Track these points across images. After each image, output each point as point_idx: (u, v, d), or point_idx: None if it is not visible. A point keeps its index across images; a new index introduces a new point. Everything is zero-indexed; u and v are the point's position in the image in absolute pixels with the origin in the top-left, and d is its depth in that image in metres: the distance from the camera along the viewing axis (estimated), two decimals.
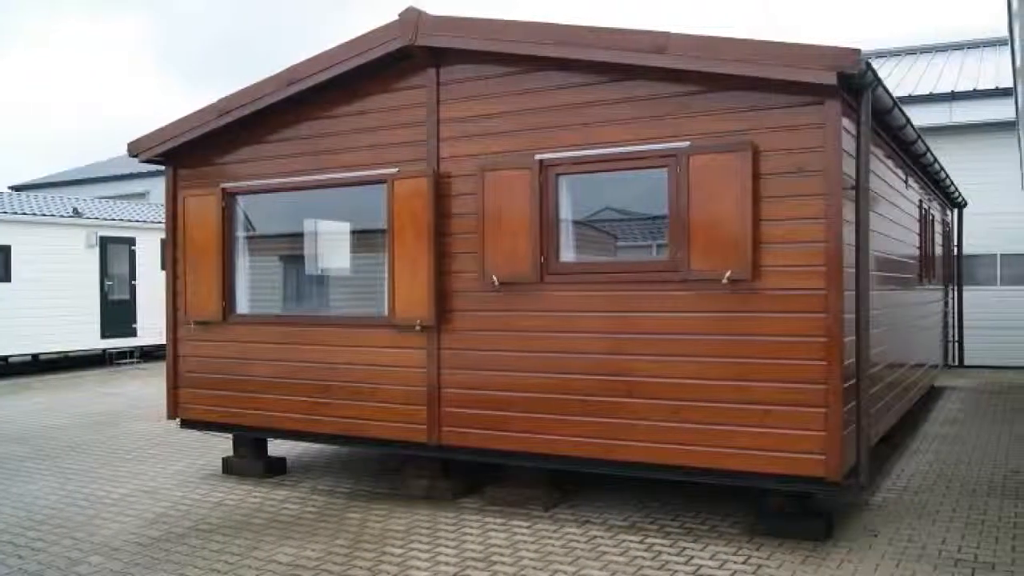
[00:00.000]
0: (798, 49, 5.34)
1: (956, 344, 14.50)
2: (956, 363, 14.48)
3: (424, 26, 6.60)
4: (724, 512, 6.37)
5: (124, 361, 19.11)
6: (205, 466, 8.36)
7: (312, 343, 7.43)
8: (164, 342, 8.59)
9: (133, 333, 18.81)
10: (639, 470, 6.07)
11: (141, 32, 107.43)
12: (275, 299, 8.83)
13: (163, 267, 15.29)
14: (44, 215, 17.39)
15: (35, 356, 17.60)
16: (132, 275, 18.85)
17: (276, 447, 8.47)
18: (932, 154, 9.50)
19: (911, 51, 22.18)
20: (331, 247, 8.95)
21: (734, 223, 5.61)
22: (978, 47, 21.20)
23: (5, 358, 16.93)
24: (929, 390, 11.97)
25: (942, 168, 10.75)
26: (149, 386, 14.90)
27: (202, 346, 8.06)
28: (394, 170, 6.94)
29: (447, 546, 5.68)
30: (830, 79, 5.22)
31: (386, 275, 6.97)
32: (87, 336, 17.91)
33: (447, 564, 5.32)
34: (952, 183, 12.20)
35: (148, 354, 19.54)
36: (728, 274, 5.63)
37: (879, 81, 5.74)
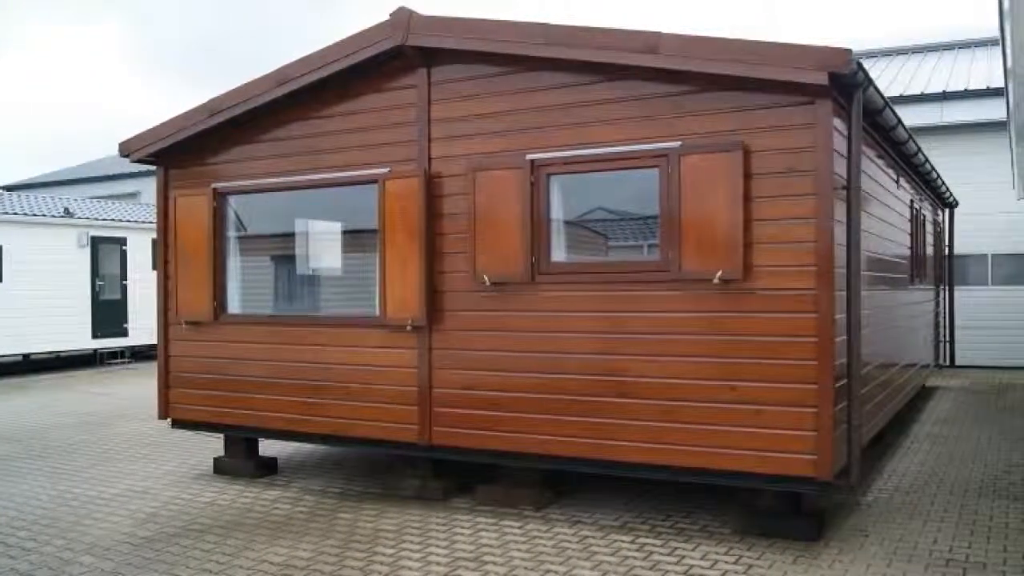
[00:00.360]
0: (789, 49, 5.35)
1: (947, 344, 14.53)
2: (947, 363, 14.51)
3: (415, 26, 6.59)
4: (715, 512, 6.37)
5: (115, 361, 19.04)
6: (196, 466, 8.34)
7: (303, 343, 7.41)
8: (155, 342, 8.57)
9: (124, 333, 18.78)
10: (631, 470, 6.08)
11: (137, 32, 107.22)
12: (266, 299, 8.81)
13: (154, 267, 15.23)
14: (35, 215, 17.33)
15: (26, 356, 17.50)
16: (123, 275, 18.82)
17: (267, 447, 8.45)
18: (923, 154, 9.52)
19: (902, 51, 22.24)
20: (322, 247, 8.94)
21: (725, 223, 5.62)
22: (969, 47, 21.26)
23: None
24: (920, 390, 12.00)
25: (933, 168, 10.78)
26: (140, 386, 14.85)
27: (193, 346, 8.04)
28: (385, 170, 6.93)
29: (438, 546, 5.68)
30: (821, 79, 5.23)
31: (377, 275, 6.96)
32: (78, 336, 17.86)
33: (438, 564, 5.31)
34: (943, 183, 12.22)
35: (139, 354, 19.48)
36: (719, 274, 5.63)
37: (870, 81, 5.75)
